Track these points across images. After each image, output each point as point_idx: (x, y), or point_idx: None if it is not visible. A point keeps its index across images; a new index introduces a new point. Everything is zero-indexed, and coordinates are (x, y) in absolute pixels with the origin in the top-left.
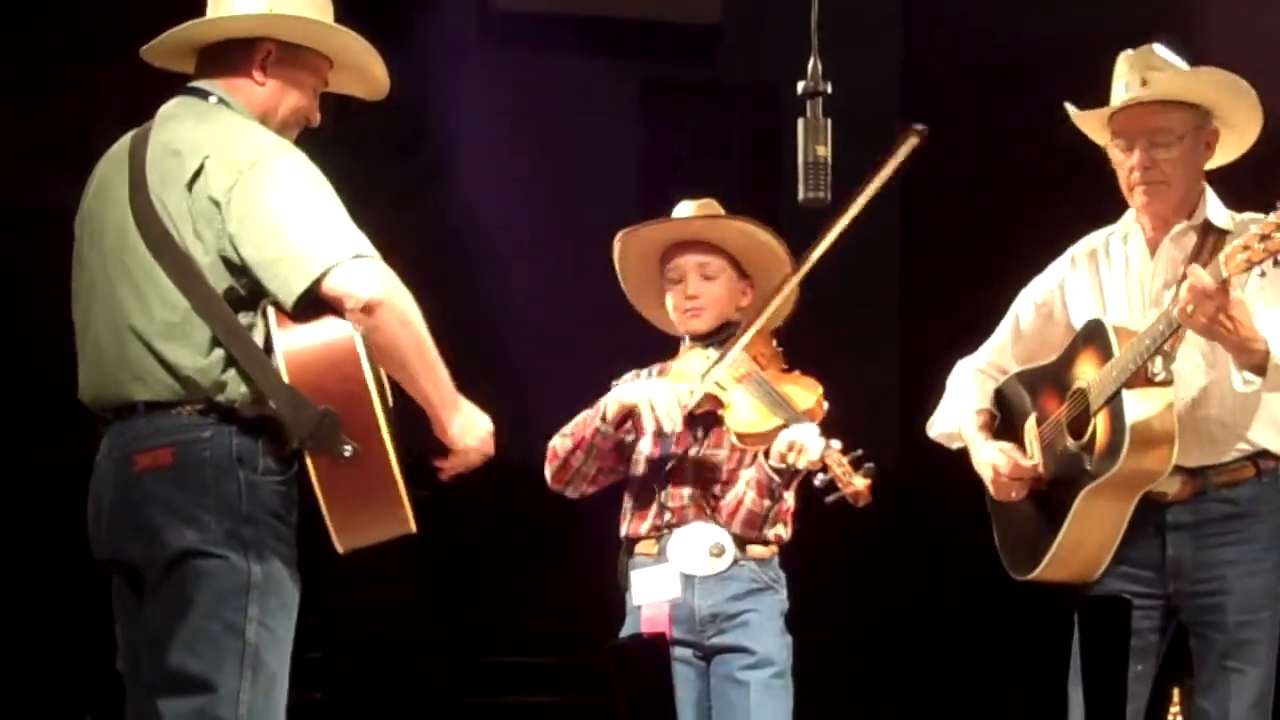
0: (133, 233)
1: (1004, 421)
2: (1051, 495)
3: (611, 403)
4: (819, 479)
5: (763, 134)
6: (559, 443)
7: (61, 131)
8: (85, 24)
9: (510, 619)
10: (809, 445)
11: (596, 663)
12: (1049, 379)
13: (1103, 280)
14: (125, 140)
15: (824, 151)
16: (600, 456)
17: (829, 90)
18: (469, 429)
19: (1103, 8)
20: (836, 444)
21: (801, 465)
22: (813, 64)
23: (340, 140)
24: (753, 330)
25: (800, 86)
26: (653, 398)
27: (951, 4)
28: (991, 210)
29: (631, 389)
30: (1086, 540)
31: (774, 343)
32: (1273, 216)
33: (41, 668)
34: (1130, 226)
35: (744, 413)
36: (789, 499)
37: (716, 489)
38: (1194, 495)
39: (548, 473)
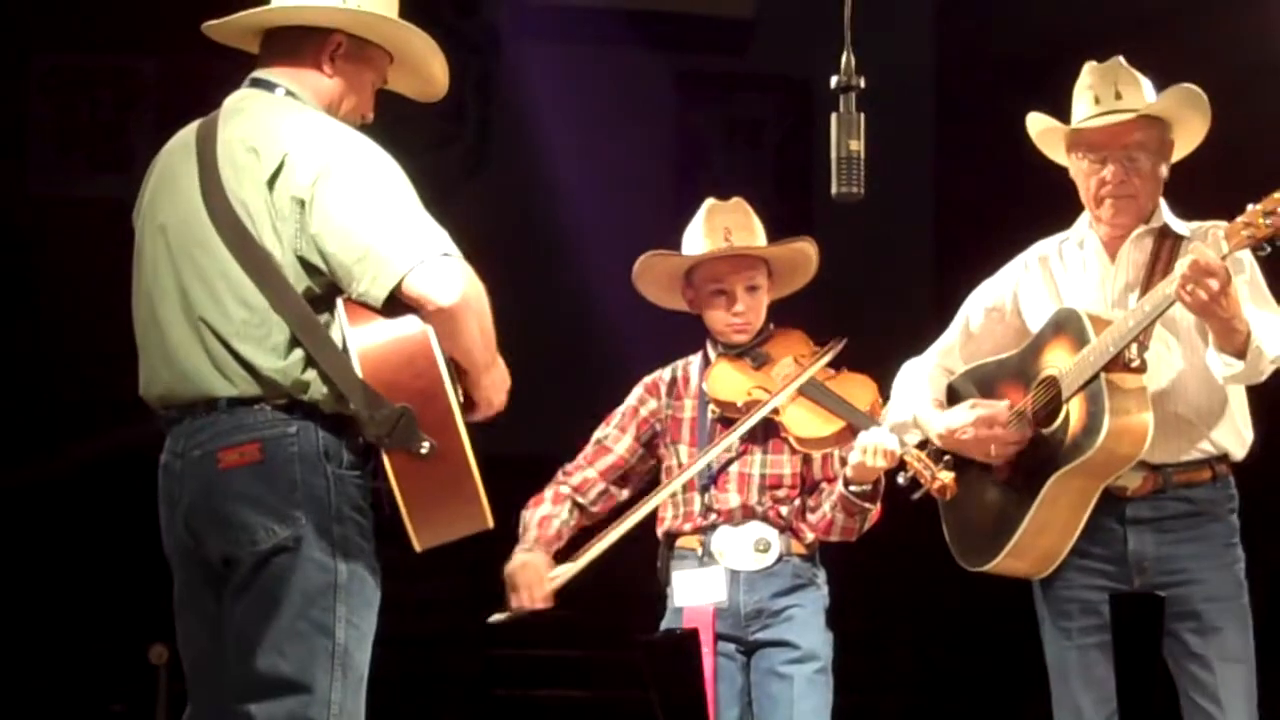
0: (205, 228)
1: None
2: (1016, 482)
3: (513, 556)
4: (901, 477)
5: (795, 127)
6: (522, 515)
7: (97, 123)
8: (120, 16)
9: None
10: (886, 446)
11: (629, 657)
12: (1009, 372)
13: (1059, 283)
14: (189, 133)
15: (857, 146)
16: None
17: (862, 85)
18: (498, 386)
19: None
20: (911, 439)
21: (881, 465)
22: (846, 58)
23: (379, 131)
24: (769, 408)
25: (834, 81)
26: (522, 585)
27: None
28: (1023, 206)
29: (515, 566)
30: (1051, 526)
31: (810, 342)
32: (1277, 194)
33: (73, 658)
34: (1085, 232)
35: (802, 419)
36: (878, 505)
37: (773, 493)
38: (1153, 491)
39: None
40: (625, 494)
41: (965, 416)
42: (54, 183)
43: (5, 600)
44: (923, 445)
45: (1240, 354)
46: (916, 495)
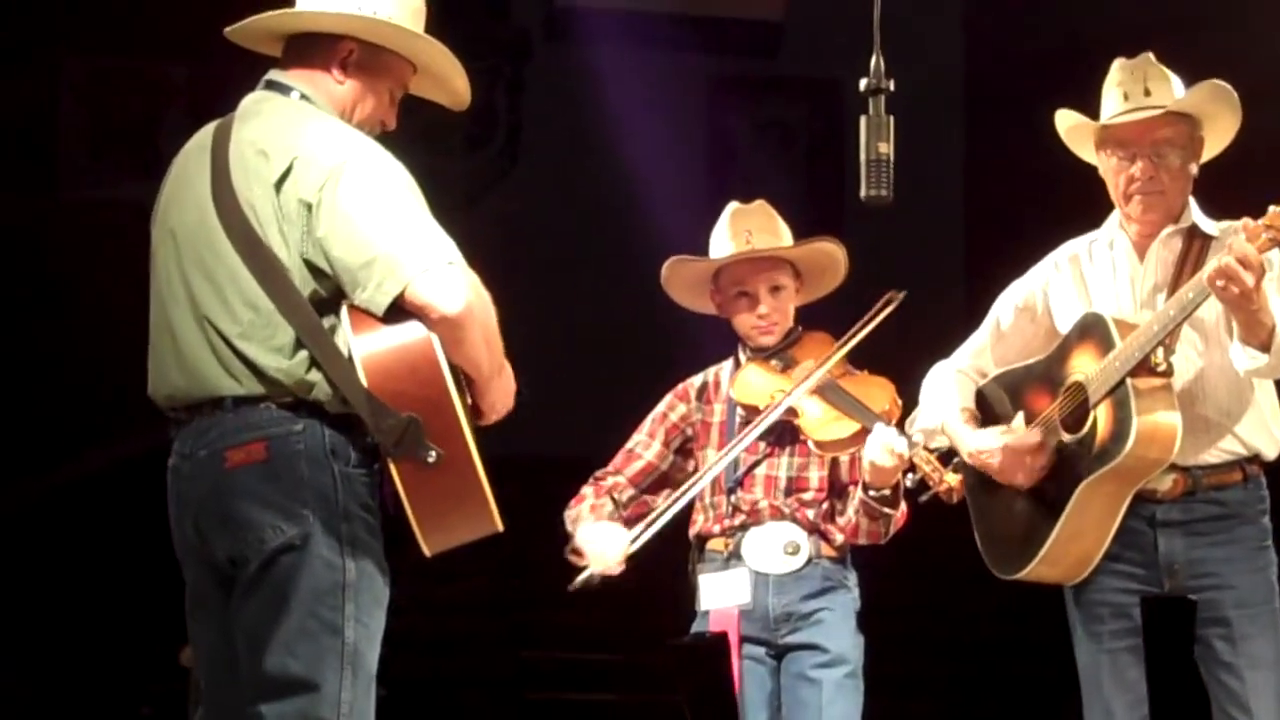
0: (215, 229)
1: (985, 423)
2: (1046, 490)
3: (575, 534)
4: (910, 479)
5: (826, 129)
6: (566, 514)
7: (127, 126)
8: (149, 22)
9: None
10: (895, 446)
11: (659, 660)
12: (1036, 378)
13: (1089, 283)
14: (205, 133)
15: (886, 149)
16: None
17: (891, 88)
18: (504, 392)
19: (1149, 7)
20: (920, 440)
21: (890, 465)
22: (875, 61)
23: (409, 135)
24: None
25: (863, 84)
26: (593, 544)
27: (1011, 2)
28: (1053, 208)
29: (587, 540)
30: (1083, 533)
31: (836, 344)
32: None
33: (104, 660)
34: (1115, 232)
35: (821, 421)
36: (903, 507)
37: (799, 495)
38: (1184, 494)
39: None
40: (659, 500)
41: (994, 442)
42: (85, 185)
43: (38, 603)
44: (932, 449)
45: (1265, 347)
46: (924, 498)
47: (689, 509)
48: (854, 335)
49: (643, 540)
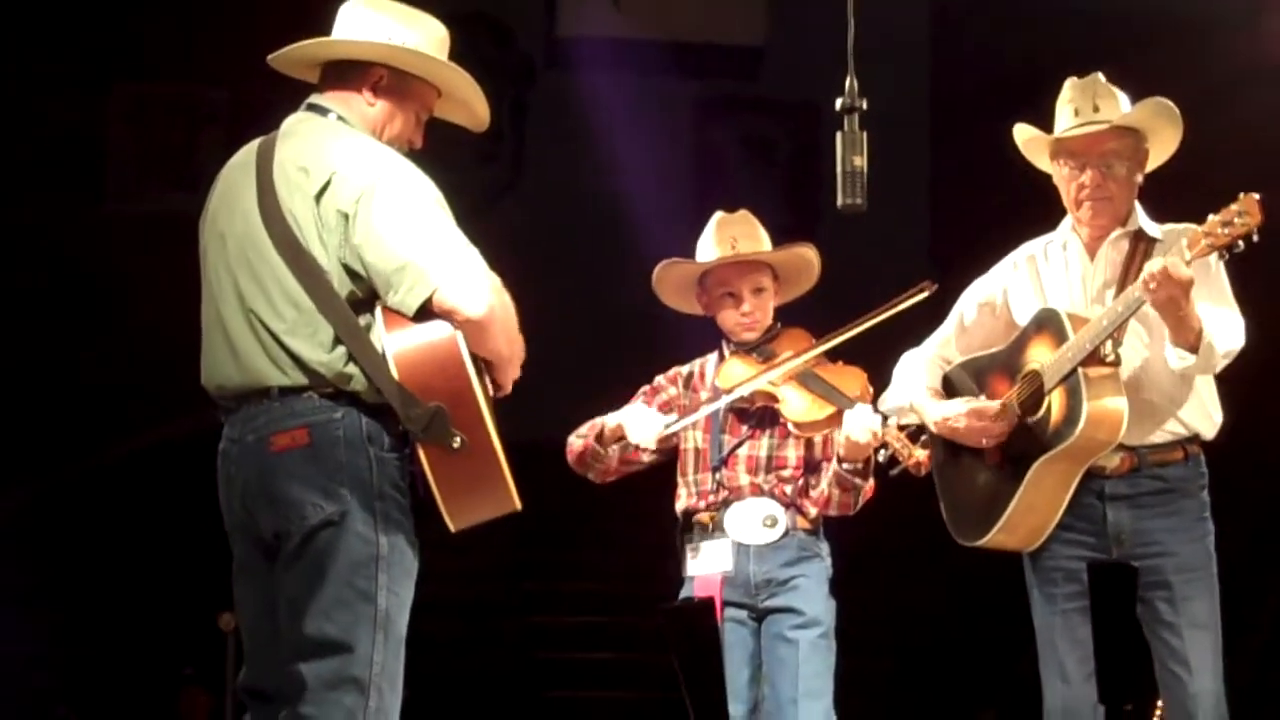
0: (260, 235)
1: None
2: (1004, 466)
3: (606, 424)
4: (881, 455)
5: (805, 145)
6: (573, 441)
7: (170, 146)
8: (191, 50)
9: (575, 581)
10: (871, 424)
11: (652, 623)
12: (997, 365)
13: (1044, 281)
14: (251, 149)
15: (860, 162)
16: (602, 460)
17: (865, 106)
18: (518, 368)
19: (1102, 29)
20: (893, 420)
21: (865, 441)
22: (850, 82)
23: (429, 149)
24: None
25: (839, 103)
26: (632, 421)
27: (973, 28)
28: (1011, 216)
29: (618, 414)
30: (1038, 505)
31: (812, 338)
32: (1234, 205)
33: (149, 626)
34: (1068, 235)
35: (799, 405)
36: (871, 480)
37: (778, 473)
38: (1130, 471)
39: (569, 461)
40: (645, 459)
41: (959, 408)
42: (131, 200)
43: (89, 574)
44: (903, 427)
45: (1193, 349)
46: (894, 471)
47: (674, 487)
48: (881, 314)
49: (675, 429)
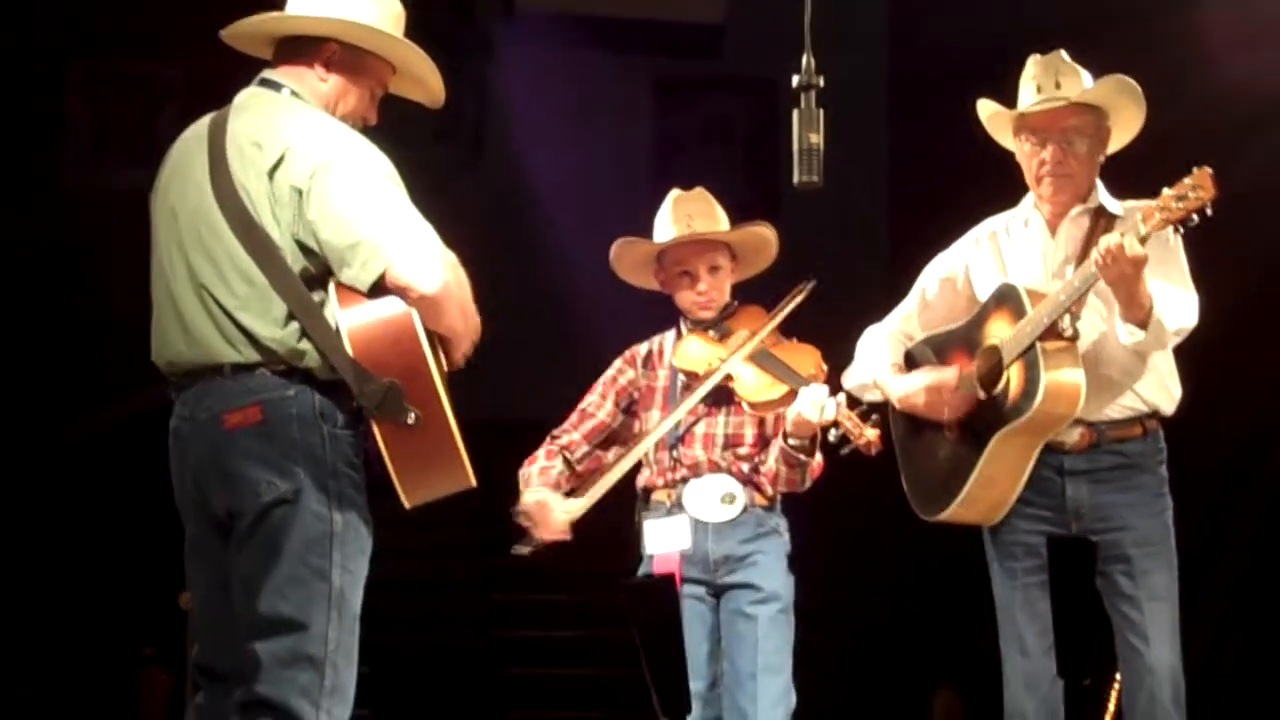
0: (212, 211)
1: None
2: (964, 440)
3: (523, 497)
4: (832, 434)
5: (763, 123)
6: (520, 474)
7: (126, 123)
8: (148, 27)
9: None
10: (823, 404)
11: (613, 599)
12: (957, 340)
13: (1005, 256)
14: (202, 124)
15: (817, 139)
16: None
17: (821, 84)
18: (473, 343)
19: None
20: (844, 399)
21: (816, 420)
22: (806, 60)
23: (386, 125)
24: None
25: (795, 80)
26: (540, 520)
27: (933, 4)
28: (969, 194)
29: (530, 504)
30: (997, 479)
31: (769, 316)
32: (1187, 180)
33: (108, 605)
34: (1029, 211)
35: (754, 384)
36: (818, 458)
37: (735, 450)
38: (1089, 446)
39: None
40: (609, 455)
41: (919, 381)
42: (89, 176)
43: (46, 551)
44: (853, 405)
45: (1142, 325)
46: (845, 450)
47: (635, 464)
48: (777, 314)
49: (580, 510)
